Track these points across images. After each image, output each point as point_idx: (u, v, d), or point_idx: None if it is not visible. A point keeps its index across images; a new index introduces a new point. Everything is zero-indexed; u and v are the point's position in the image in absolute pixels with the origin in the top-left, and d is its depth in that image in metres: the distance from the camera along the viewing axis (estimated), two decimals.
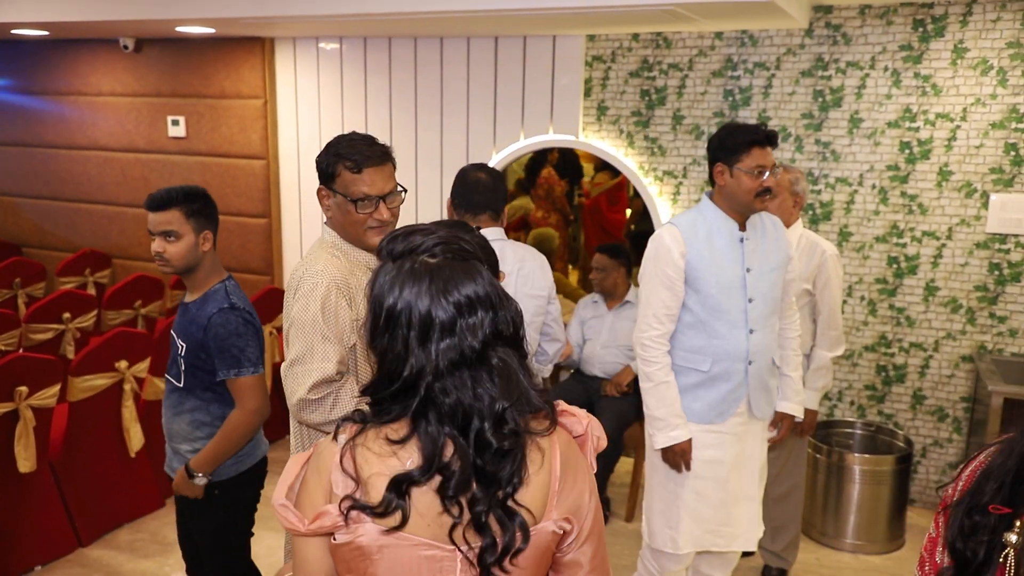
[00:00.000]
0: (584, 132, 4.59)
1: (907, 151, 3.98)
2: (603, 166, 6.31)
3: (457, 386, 1.23)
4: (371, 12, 3.79)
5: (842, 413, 4.29)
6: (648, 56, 4.38)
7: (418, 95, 4.88)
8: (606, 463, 4.00)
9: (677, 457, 2.70)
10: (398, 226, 1.51)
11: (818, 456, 3.84)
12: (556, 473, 1.30)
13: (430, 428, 1.23)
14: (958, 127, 3.88)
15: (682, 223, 2.70)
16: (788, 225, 3.30)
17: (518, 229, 6.52)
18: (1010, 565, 1.21)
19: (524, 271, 2.80)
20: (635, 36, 4.38)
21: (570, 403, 4.31)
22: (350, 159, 2.11)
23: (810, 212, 4.18)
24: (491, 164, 4.78)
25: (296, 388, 2.01)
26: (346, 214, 2.12)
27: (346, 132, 2.24)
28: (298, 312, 2.04)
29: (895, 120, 3.98)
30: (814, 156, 4.15)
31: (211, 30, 4.78)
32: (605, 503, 4.07)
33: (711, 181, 2.72)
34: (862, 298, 4.16)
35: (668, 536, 2.78)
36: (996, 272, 3.92)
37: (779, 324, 2.87)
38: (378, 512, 1.21)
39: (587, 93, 4.54)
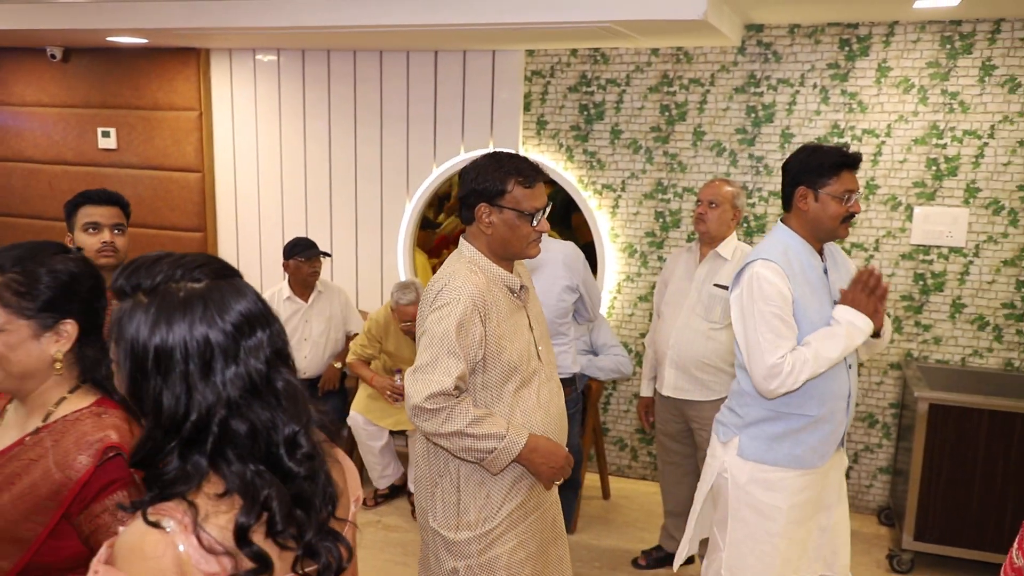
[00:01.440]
0: (524, 146, 4.62)
1: None
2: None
3: (250, 416, 1.13)
4: (306, 25, 3.77)
5: None
6: (586, 71, 4.44)
7: (357, 108, 4.85)
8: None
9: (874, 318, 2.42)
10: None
11: None
12: (355, 475, 1.36)
13: (235, 468, 1.13)
14: (883, 143, 4.02)
15: (776, 256, 2.42)
16: (724, 238, 3.38)
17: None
18: None
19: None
20: (573, 52, 4.44)
21: None
22: (522, 174, 2.15)
23: (744, 225, 4.28)
24: (431, 179, 4.78)
25: (413, 394, 2.07)
26: (513, 229, 2.15)
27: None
28: (432, 323, 2.10)
29: (824, 135, 4.11)
30: (748, 170, 4.25)
31: (144, 40, 4.68)
32: None
33: (787, 205, 2.53)
34: None
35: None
36: (921, 282, 4.07)
37: None
38: (258, 571, 1.12)
39: (527, 107, 4.58)
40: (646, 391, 3.71)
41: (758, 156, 4.23)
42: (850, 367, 2.54)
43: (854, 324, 2.38)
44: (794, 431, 2.46)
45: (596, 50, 4.40)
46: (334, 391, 4.53)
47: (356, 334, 4.46)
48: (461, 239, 2.24)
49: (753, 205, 4.26)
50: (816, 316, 2.42)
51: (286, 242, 4.42)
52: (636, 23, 3.40)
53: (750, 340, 2.40)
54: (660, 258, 4.45)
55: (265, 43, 4.80)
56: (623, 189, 4.47)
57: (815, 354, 2.35)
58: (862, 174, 4.06)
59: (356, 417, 4.23)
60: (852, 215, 2.46)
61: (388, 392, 4.15)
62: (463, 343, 2.07)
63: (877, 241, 4.11)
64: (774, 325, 2.36)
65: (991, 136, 3.86)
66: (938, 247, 4.02)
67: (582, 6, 3.35)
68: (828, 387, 2.47)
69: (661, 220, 4.44)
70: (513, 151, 2.19)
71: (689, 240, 4.28)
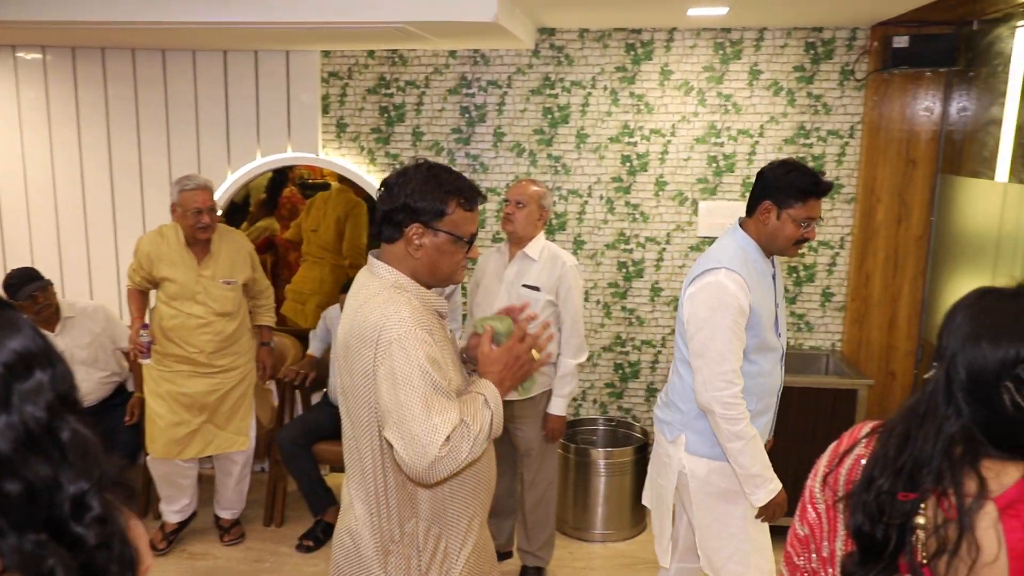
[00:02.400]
0: (324, 149, 4.49)
1: (628, 164, 4.32)
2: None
3: (26, 475, 0.95)
4: (75, 20, 3.44)
5: (586, 412, 4.55)
6: (385, 73, 4.39)
7: (140, 111, 4.51)
8: None
9: (778, 509, 2.55)
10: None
11: (567, 455, 4.04)
12: (145, 541, 1.12)
13: (10, 540, 0.94)
14: (669, 142, 4.28)
15: (737, 266, 2.50)
16: (532, 238, 3.44)
17: (264, 251, 6.25)
18: (922, 544, 1.29)
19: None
20: (371, 53, 4.37)
21: (323, 428, 4.11)
22: (464, 196, 1.91)
23: (547, 223, 4.39)
24: (226, 185, 4.53)
25: (425, 448, 1.73)
26: (444, 254, 1.92)
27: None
28: (399, 365, 1.77)
29: (616, 135, 4.30)
30: (547, 170, 4.38)
31: None
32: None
33: (750, 210, 2.59)
34: (598, 302, 4.45)
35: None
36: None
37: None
38: None
39: (325, 110, 4.46)
40: None
41: (556, 156, 4.36)
42: (782, 359, 2.69)
43: (753, 475, 2.53)
44: None
45: (394, 52, 4.36)
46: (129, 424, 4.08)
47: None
48: (374, 259, 1.96)
49: (554, 204, 4.39)
50: (767, 321, 2.54)
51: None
52: (430, 24, 3.40)
53: (706, 347, 2.46)
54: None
55: (26, 39, 4.36)
56: None
57: (745, 441, 2.47)
58: (651, 172, 4.30)
59: (157, 466, 3.86)
60: (806, 240, 2.54)
61: (131, 347, 3.78)
62: (440, 374, 1.80)
63: (668, 235, 4.36)
64: (727, 337, 2.43)
65: (761, 135, 4.21)
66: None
67: (376, 7, 3.30)
68: (766, 383, 2.61)
69: None
70: (447, 165, 1.98)
71: (495, 241, 4.34)
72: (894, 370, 4.30)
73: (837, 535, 1.44)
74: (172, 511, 3.96)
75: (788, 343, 4.25)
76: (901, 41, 3.85)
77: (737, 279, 2.47)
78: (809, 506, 1.50)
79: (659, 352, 4.47)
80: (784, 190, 2.51)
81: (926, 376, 1.37)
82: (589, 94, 4.29)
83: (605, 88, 4.27)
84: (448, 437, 1.74)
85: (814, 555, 1.49)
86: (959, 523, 1.25)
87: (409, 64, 4.36)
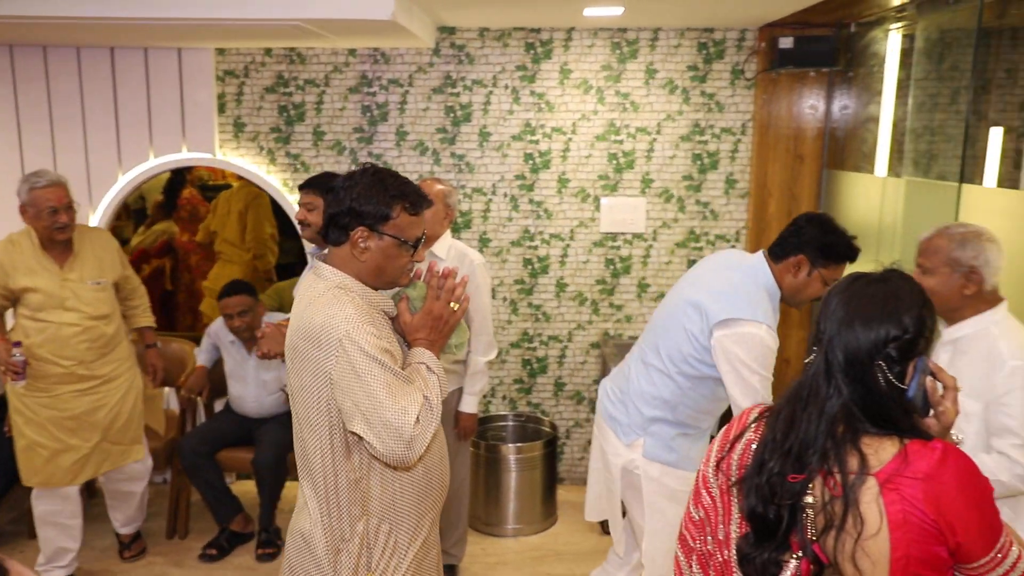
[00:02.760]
0: (222, 149, 4.38)
1: (531, 162, 4.37)
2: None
3: None
4: None
5: (496, 408, 4.59)
6: (283, 71, 4.31)
7: (20, 111, 4.30)
8: (272, 493, 3.86)
9: None
10: None
11: (477, 452, 4.06)
12: None
13: None
14: (570, 139, 4.35)
15: (770, 318, 2.53)
16: (439, 236, 3.43)
17: (163, 254, 6.05)
18: (811, 522, 1.37)
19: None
20: (268, 51, 4.28)
21: (227, 436, 4.02)
22: (409, 200, 1.94)
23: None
24: (118, 187, 4.37)
25: (400, 431, 1.78)
26: (389, 258, 1.95)
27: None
28: (357, 361, 1.79)
29: (518, 134, 4.35)
30: (451, 168, 4.39)
31: None
32: (276, 532, 3.91)
33: (780, 254, 2.61)
34: (504, 299, 4.49)
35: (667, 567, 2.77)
36: (611, 267, 4.46)
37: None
38: None
39: (221, 109, 4.34)
40: None
41: (459, 155, 4.38)
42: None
43: None
44: (689, 438, 2.69)
45: (292, 50, 4.28)
46: None
47: None
48: (319, 262, 1.98)
49: (459, 202, 4.40)
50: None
51: None
52: (326, 22, 3.36)
53: (732, 383, 2.49)
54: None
55: None
56: None
57: None
58: (553, 169, 4.37)
59: (42, 502, 3.50)
60: (818, 298, 2.55)
61: (2, 368, 3.30)
62: (393, 361, 1.85)
63: (572, 231, 4.43)
64: (757, 387, 2.47)
65: (658, 132, 4.33)
66: (623, 234, 4.42)
67: (271, 3, 3.24)
68: (719, 406, 2.73)
69: None
70: (393, 170, 2.00)
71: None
72: (788, 357, 4.49)
73: (732, 518, 1.50)
74: (59, 568, 3.58)
75: None
76: (786, 42, 4.02)
77: (772, 334, 2.51)
78: (703, 491, 1.57)
79: (566, 347, 4.54)
80: (823, 251, 2.56)
81: (807, 360, 1.46)
82: (491, 93, 4.32)
83: (506, 87, 4.31)
84: (417, 417, 1.80)
85: (709, 538, 1.55)
86: (844, 499, 1.33)
87: (308, 62, 4.30)
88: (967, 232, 2.11)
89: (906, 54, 3.68)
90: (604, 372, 4.47)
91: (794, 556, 1.38)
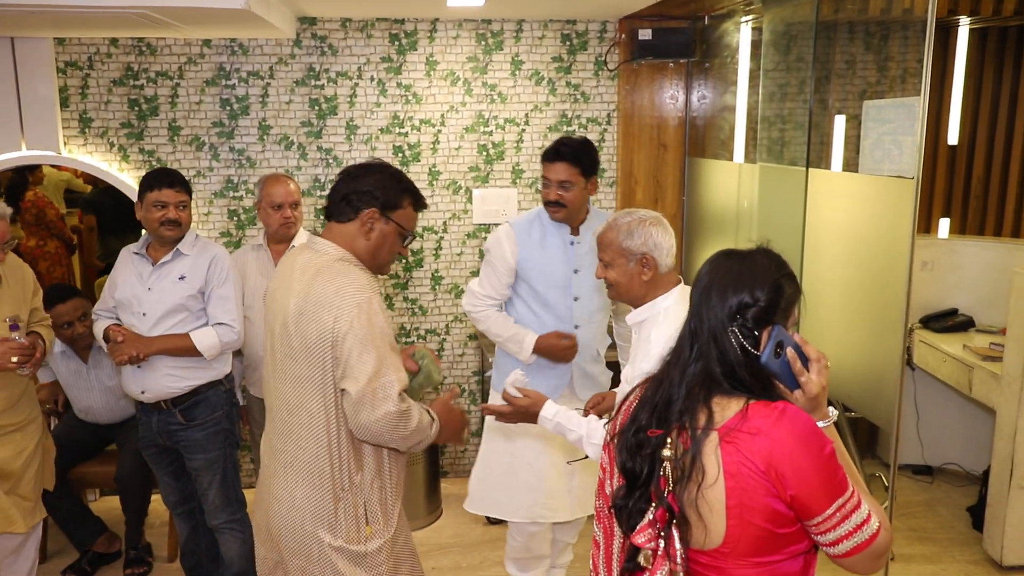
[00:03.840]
0: (67, 147, 4.10)
1: (400, 154, 4.32)
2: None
3: None
4: None
5: None
6: (132, 63, 4.07)
7: None
8: (138, 507, 3.66)
9: (556, 349, 2.94)
10: None
11: None
12: None
13: None
14: (440, 131, 4.33)
15: (517, 223, 3.00)
16: (295, 233, 3.37)
17: None
18: (668, 474, 1.47)
19: None
20: (114, 41, 4.04)
21: (78, 450, 3.78)
22: (415, 197, 2.17)
23: (321, 217, 4.29)
24: None
25: (384, 403, 1.97)
26: (388, 243, 2.14)
27: None
28: (359, 325, 1.96)
29: (386, 126, 4.29)
30: (318, 163, 4.28)
31: None
32: (146, 549, 3.71)
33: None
34: (380, 294, 4.42)
35: (498, 503, 3.06)
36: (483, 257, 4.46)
37: (594, 325, 3.04)
38: None
39: (64, 103, 4.07)
40: (240, 399, 3.56)
41: (327, 148, 4.27)
42: (577, 327, 3.01)
43: (507, 338, 3.05)
44: (525, 368, 2.89)
45: (140, 40, 4.05)
46: None
47: None
48: (315, 238, 2.13)
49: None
50: (541, 275, 3.00)
51: None
52: (175, 11, 3.19)
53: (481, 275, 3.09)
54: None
55: None
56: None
57: (490, 322, 3.10)
58: (424, 162, 4.33)
59: None
60: (554, 202, 2.94)
61: (12, 356, 2.83)
62: (390, 337, 2.03)
63: (445, 224, 4.42)
64: (487, 276, 3.10)
65: (527, 123, 4.37)
66: (496, 224, 4.45)
67: None
68: None
69: (236, 219, 4.27)
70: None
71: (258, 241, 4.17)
72: None
73: (615, 474, 1.62)
74: None
75: None
76: (645, 34, 4.14)
77: (509, 231, 3.03)
78: (604, 453, 1.73)
79: (444, 340, 4.52)
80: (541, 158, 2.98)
81: (682, 326, 1.56)
82: (356, 85, 4.23)
83: (372, 79, 4.24)
84: (402, 395, 2.00)
85: (607, 493, 1.70)
86: (691, 452, 1.45)
87: (159, 54, 4.08)
88: (632, 221, 2.18)
89: (756, 46, 3.87)
90: (483, 364, 4.48)
91: (652, 505, 1.48)
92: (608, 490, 1.69)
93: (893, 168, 3.25)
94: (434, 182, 4.37)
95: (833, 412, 1.54)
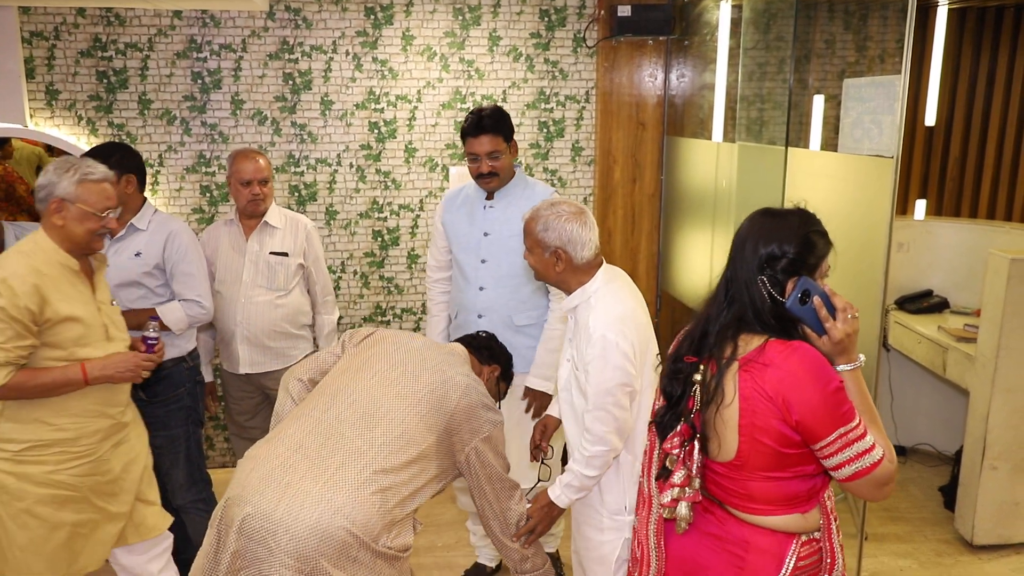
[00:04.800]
0: (34, 119, 4.00)
1: (376, 131, 4.25)
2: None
3: None
4: None
5: None
6: (100, 34, 3.97)
7: None
8: None
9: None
10: None
11: None
12: None
13: None
14: (416, 107, 4.26)
15: (449, 192, 3.23)
16: (264, 210, 3.32)
17: None
18: (696, 395, 1.76)
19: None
20: (81, 11, 3.93)
21: None
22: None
23: (296, 194, 4.23)
24: None
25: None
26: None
27: None
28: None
29: (362, 102, 4.21)
30: (292, 138, 4.20)
31: None
32: None
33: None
34: (355, 272, 4.37)
35: None
36: None
37: (529, 289, 3.05)
38: None
39: (30, 75, 3.96)
40: (208, 376, 3.51)
41: (301, 124, 4.20)
42: (482, 288, 3.10)
43: None
44: (453, 328, 3.23)
45: (108, 10, 3.95)
46: None
47: None
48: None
49: (302, 174, 4.23)
50: (456, 238, 3.15)
51: None
52: None
53: None
54: None
55: None
56: (161, 164, 4.12)
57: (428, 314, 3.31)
58: (400, 139, 4.27)
59: None
60: (480, 175, 3.04)
61: (145, 371, 2.54)
62: None
63: (421, 201, 4.36)
64: (432, 245, 3.31)
65: (504, 100, 4.31)
66: None
67: None
68: (459, 298, 3.16)
69: (208, 194, 4.19)
70: None
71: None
72: None
73: (659, 397, 1.92)
74: None
75: None
76: (624, 10, 4.09)
77: (443, 198, 3.26)
78: (659, 382, 1.97)
79: (420, 319, 4.48)
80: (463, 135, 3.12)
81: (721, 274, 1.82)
82: (331, 59, 4.15)
83: (347, 53, 4.16)
84: None
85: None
86: (717, 378, 1.71)
87: (128, 24, 3.98)
88: (550, 214, 2.24)
89: (736, 24, 3.83)
90: None
91: (682, 420, 1.77)
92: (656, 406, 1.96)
93: (872, 147, 3.24)
94: (410, 159, 4.30)
95: (861, 358, 1.72)
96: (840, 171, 3.17)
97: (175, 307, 2.98)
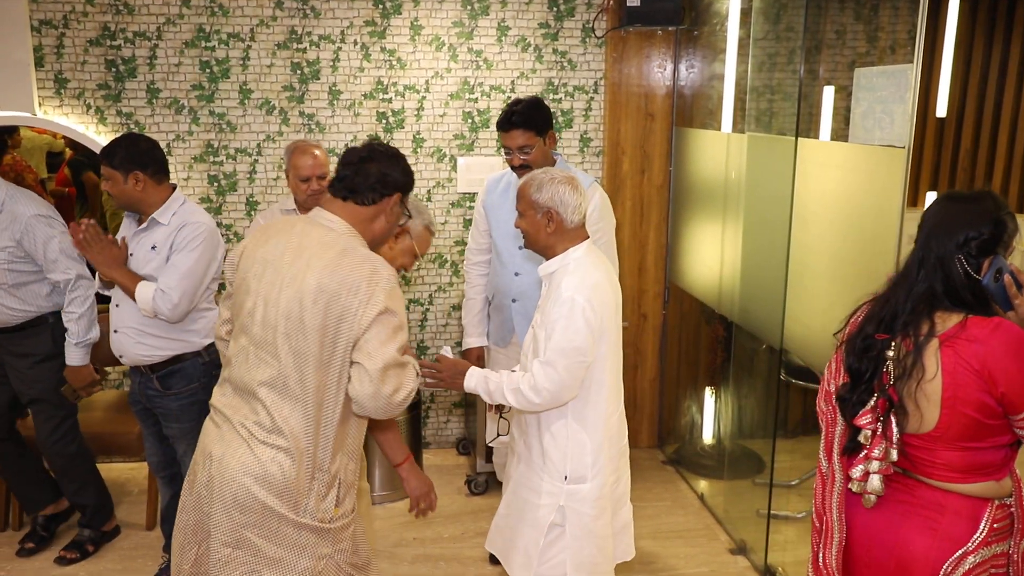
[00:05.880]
0: (43, 108, 4.00)
1: (384, 121, 4.24)
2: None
3: None
4: None
5: None
6: (109, 23, 3.97)
7: None
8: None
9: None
10: None
11: None
12: None
13: None
14: (424, 98, 4.25)
15: (492, 176, 3.34)
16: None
17: None
18: (890, 371, 1.86)
19: None
20: (90, 0, 3.93)
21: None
22: (410, 189, 2.23)
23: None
24: None
25: (405, 386, 2.04)
26: (392, 228, 2.19)
27: None
28: (390, 312, 2.00)
29: (370, 92, 4.21)
30: (300, 128, 4.20)
31: None
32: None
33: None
34: None
35: None
36: (469, 226, 4.41)
37: None
38: None
39: (39, 63, 3.96)
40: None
41: (309, 113, 4.19)
42: (517, 274, 3.25)
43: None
44: (491, 308, 3.46)
45: None
46: None
47: None
48: (325, 212, 2.11)
49: None
50: (497, 223, 3.33)
51: None
52: None
53: None
54: (223, 224, 4.20)
55: None
56: (169, 152, 4.12)
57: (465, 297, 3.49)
58: (408, 129, 4.26)
59: None
60: (516, 166, 3.14)
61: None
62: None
63: (429, 192, 4.35)
64: (473, 226, 3.49)
65: (513, 90, 4.30)
66: None
67: None
68: (495, 282, 3.35)
69: (216, 184, 4.19)
70: None
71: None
72: (646, 312, 4.62)
73: (840, 374, 2.01)
74: None
75: None
76: (634, 0, 4.07)
77: (486, 180, 3.42)
78: (832, 361, 2.06)
79: (427, 310, 4.48)
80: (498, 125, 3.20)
81: (908, 254, 1.93)
82: (339, 49, 4.14)
83: (355, 43, 4.15)
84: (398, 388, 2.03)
85: (828, 391, 2.06)
86: (914, 354, 1.82)
87: (137, 13, 3.97)
88: (544, 177, 2.36)
89: (746, 14, 3.81)
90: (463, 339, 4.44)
91: (875, 395, 1.87)
92: (831, 388, 2.03)
93: (884, 137, 3.21)
94: (418, 150, 4.30)
95: None
96: (851, 161, 3.15)
97: (150, 287, 2.88)
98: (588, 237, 2.42)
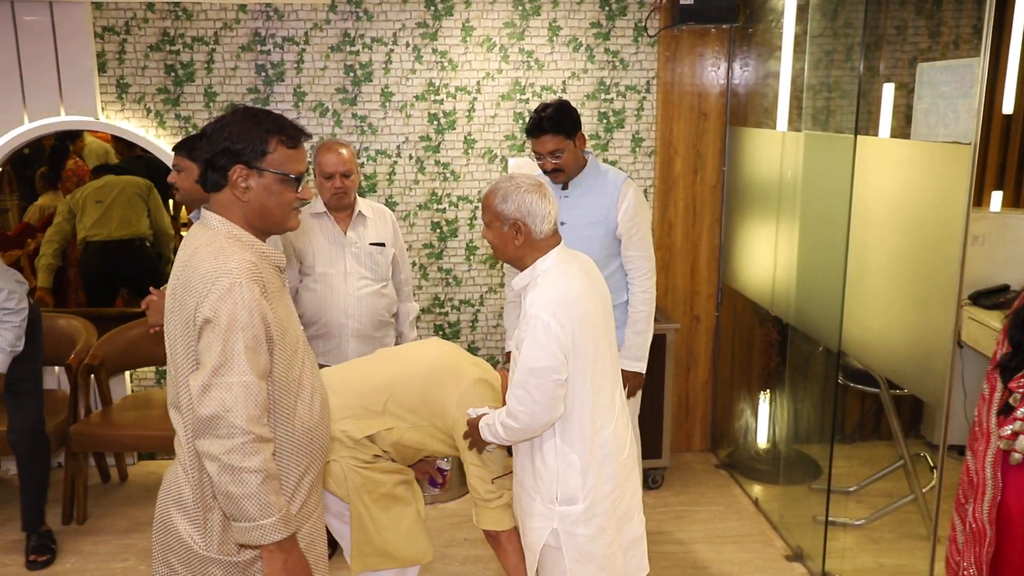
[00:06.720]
0: (105, 112, 4.11)
1: (435, 122, 4.26)
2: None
3: None
4: None
5: None
6: (168, 28, 4.06)
7: None
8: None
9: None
10: None
11: None
12: None
13: None
14: (475, 99, 4.26)
15: None
16: (349, 202, 3.40)
17: (44, 231, 5.68)
18: None
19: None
20: (150, 6, 4.02)
21: None
22: (284, 133, 1.84)
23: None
24: None
25: (212, 403, 1.72)
26: (273, 195, 1.84)
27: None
28: (223, 315, 1.73)
29: (421, 93, 4.23)
30: (353, 130, 4.24)
31: None
32: (47, 535, 3.62)
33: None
34: (414, 264, 4.39)
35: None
36: None
37: (605, 275, 2.86)
38: None
39: (102, 69, 4.07)
40: None
41: (361, 116, 4.23)
42: None
43: None
44: None
45: (176, 5, 4.03)
46: None
47: None
48: (206, 211, 1.88)
49: (362, 165, 4.26)
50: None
51: None
52: None
53: None
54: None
55: None
56: None
57: None
58: (459, 130, 4.27)
59: None
60: (549, 170, 3.13)
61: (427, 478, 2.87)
62: (259, 331, 1.77)
63: (480, 193, 4.36)
64: None
65: (564, 91, 4.28)
66: None
67: None
68: None
69: None
70: (265, 108, 1.91)
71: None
72: (699, 314, 4.56)
73: (1004, 344, 2.19)
74: None
75: None
76: None
77: None
78: (1001, 333, 2.20)
79: (478, 311, 4.48)
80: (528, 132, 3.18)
81: None
82: (391, 51, 4.18)
83: (407, 45, 4.18)
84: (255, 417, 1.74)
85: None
86: None
87: (195, 18, 4.06)
88: (509, 187, 2.20)
89: (802, 10, 3.73)
90: None
91: None
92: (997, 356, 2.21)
93: (948, 134, 3.11)
94: (469, 150, 4.31)
95: None
96: (913, 159, 3.06)
97: None
98: (560, 243, 2.28)
